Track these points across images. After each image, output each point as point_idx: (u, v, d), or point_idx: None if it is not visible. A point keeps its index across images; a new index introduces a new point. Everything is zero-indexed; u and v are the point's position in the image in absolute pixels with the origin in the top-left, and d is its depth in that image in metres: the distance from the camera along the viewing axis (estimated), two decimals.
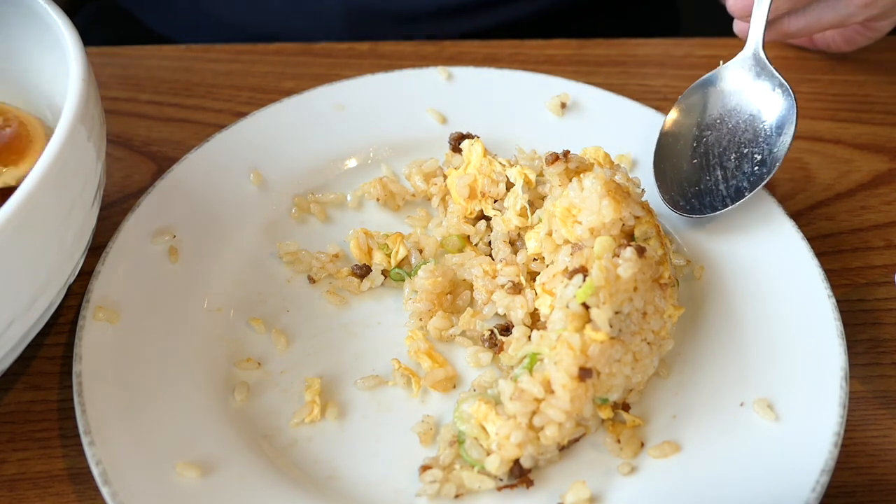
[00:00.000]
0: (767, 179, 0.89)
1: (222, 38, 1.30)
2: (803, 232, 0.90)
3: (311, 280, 0.91)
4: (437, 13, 1.35)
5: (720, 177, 0.90)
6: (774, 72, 0.93)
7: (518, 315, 0.84)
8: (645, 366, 0.78)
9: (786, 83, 0.92)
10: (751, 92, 0.94)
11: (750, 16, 0.96)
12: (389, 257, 0.91)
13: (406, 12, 1.33)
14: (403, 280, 0.90)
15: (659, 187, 0.93)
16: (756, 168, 0.89)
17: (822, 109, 1.14)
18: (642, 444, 0.78)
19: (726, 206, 0.89)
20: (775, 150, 0.89)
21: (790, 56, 1.21)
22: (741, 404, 0.79)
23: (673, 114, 0.97)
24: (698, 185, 0.92)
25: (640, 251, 0.77)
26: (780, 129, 0.90)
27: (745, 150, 0.91)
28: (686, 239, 0.93)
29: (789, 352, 0.82)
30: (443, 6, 1.34)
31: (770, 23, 0.96)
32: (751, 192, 0.89)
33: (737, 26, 1.03)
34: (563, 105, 1.04)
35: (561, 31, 1.32)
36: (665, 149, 0.96)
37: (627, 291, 0.76)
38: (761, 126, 0.91)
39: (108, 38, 1.44)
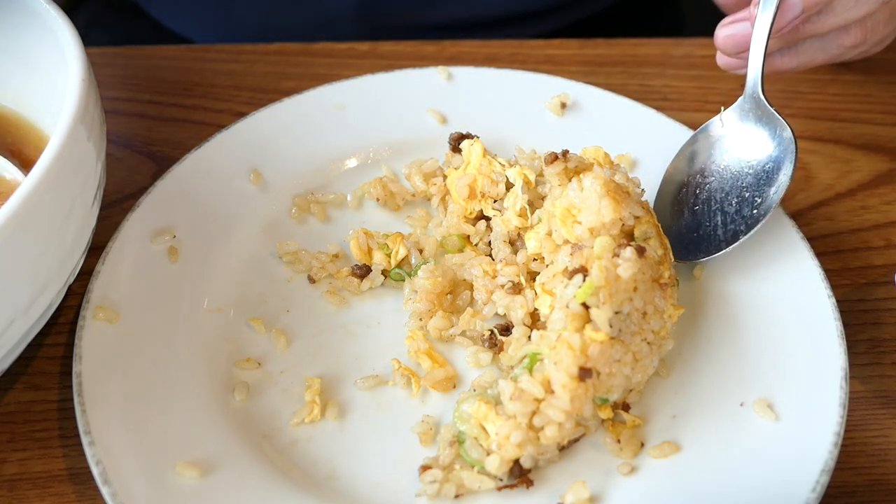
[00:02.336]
0: (763, 221, 0.87)
1: (230, 38, 1.31)
2: (803, 232, 0.90)
3: (311, 280, 0.91)
4: (450, 25, 1.35)
5: (719, 222, 0.89)
6: (774, 112, 0.91)
7: (518, 315, 0.84)
8: (645, 366, 0.78)
9: (785, 122, 0.90)
10: (752, 136, 0.92)
11: (739, 53, 0.95)
12: (389, 257, 0.91)
13: (425, 24, 1.33)
14: (403, 280, 0.90)
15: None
16: (754, 211, 0.88)
17: (822, 109, 1.14)
18: (642, 444, 0.78)
19: (720, 249, 0.88)
20: (773, 192, 0.88)
21: None
22: (741, 404, 0.79)
23: (675, 161, 0.96)
24: (697, 230, 0.90)
25: (640, 251, 0.77)
26: (778, 170, 0.89)
27: (747, 195, 0.89)
28: None
29: (789, 352, 0.82)
30: (455, 20, 1.34)
31: None
32: (746, 234, 0.87)
33: (720, 59, 1.00)
34: (563, 105, 1.05)
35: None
36: (666, 196, 0.94)
37: (627, 291, 0.76)
38: (762, 169, 0.90)
39: (108, 38, 1.45)
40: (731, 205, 0.90)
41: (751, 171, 0.90)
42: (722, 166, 0.93)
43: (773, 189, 0.88)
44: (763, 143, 0.91)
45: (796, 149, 0.89)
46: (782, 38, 0.96)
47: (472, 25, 1.37)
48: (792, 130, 0.89)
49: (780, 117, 0.91)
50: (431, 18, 1.34)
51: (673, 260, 0.85)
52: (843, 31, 0.95)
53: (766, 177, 0.89)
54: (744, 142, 0.92)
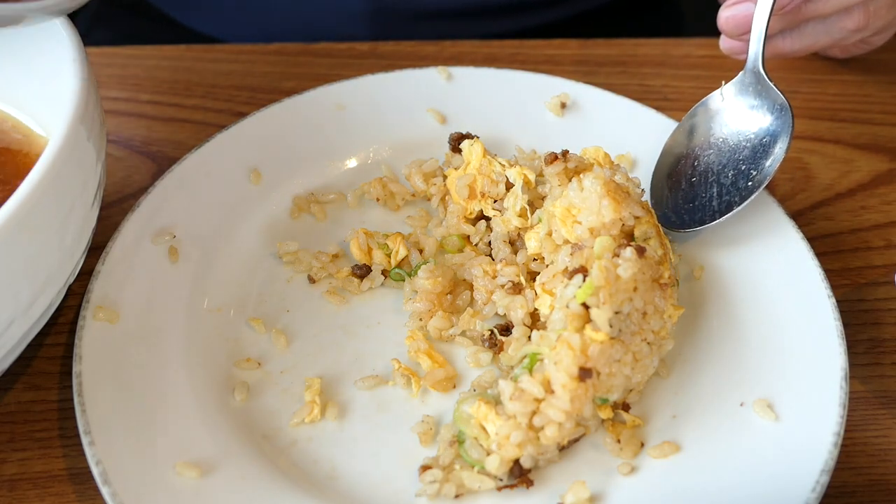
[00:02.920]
0: (757, 193, 0.88)
1: (241, 34, 1.31)
2: (803, 232, 0.90)
3: (311, 280, 0.91)
4: (463, 13, 1.35)
5: (715, 193, 0.90)
6: (773, 87, 0.92)
7: (518, 315, 0.84)
8: (645, 366, 0.78)
9: (783, 98, 0.91)
10: (751, 110, 0.93)
11: (741, 34, 0.96)
12: (389, 257, 0.91)
13: (431, 10, 1.33)
14: (403, 280, 0.90)
15: (652, 204, 0.93)
16: (749, 183, 0.89)
17: (822, 109, 1.14)
18: (642, 444, 0.78)
19: (714, 219, 0.89)
20: (768, 164, 0.89)
21: None
22: (741, 404, 0.79)
23: (675, 134, 0.97)
24: (693, 201, 0.91)
25: (640, 251, 0.77)
26: (774, 142, 0.90)
27: (743, 167, 0.90)
28: (684, 238, 0.93)
29: (789, 352, 0.82)
30: (469, 6, 1.34)
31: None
32: (740, 205, 0.88)
33: (724, 43, 1.01)
34: (563, 105, 1.04)
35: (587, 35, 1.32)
36: (664, 168, 0.95)
37: (627, 291, 0.76)
38: (759, 143, 0.91)
39: (110, 35, 1.45)
40: (728, 177, 0.91)
41: (748, 144, 0.91)
42: (720, 139, 0.94)
43: (768, 161, 0.89)
44: (761, 116, 0.92)
45: (793, 121, 0.89)
46: (785, 19, 0.96)
47: (477, 13, 1.37)
48: (789, 103, 0.90)
49: (778, 91, 0.92)
50: (439, 4, 1.34)
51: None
52: (845, 13, 0.96)
53: (762, 149, 0.90)
54: (742, 115, 0.93)
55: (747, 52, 0.94)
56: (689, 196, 0.92)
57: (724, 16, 0.96)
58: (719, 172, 0.91)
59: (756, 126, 0.92)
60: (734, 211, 0.88)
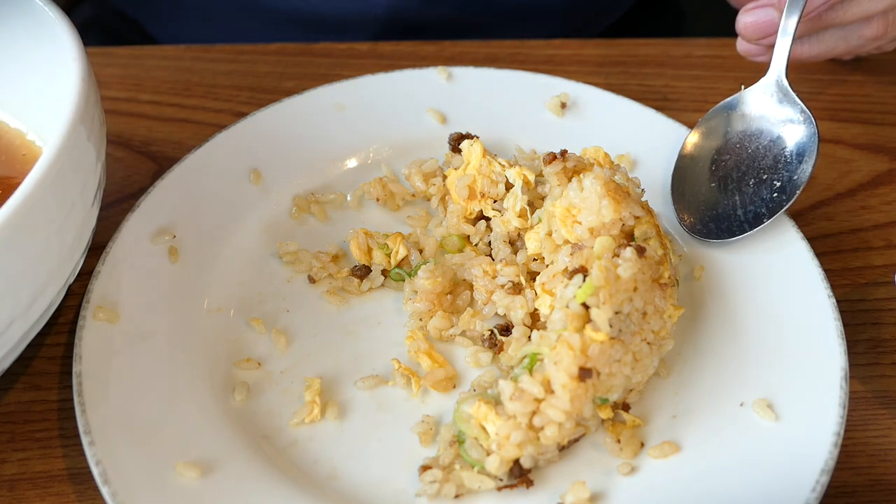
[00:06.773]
0: (787, 206, 0.88)
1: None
2: (803, 232, 0.90)
3: (311, 280, 0.91)
4: (453, 24, 1.35)
5: (738, 202, 0.90)
6: (797, 99, 0.92)
7: (518, 315, 0.84)
8: (645, 366, 0.78)
9: (808, 111, 0.91)
10: (772, 118, 0.93)
11: (760, 39, 0.96)
12: (389, 257, 0.91)
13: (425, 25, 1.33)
14: (403, 280, 0.90)
15: (676, 209, 0.93)
16: (775, 195, 0.88)
17: (822, 109, 1.14)
18: (642, 444, 0.78)
19: (744, 231, 0.88)
20: (795, 177, 0.89)
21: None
22: (741, 404, 0.79)
23: (693, 136, 0.97)
24: (715, 209, 0.91)
25: (640, 251, 0.77)
26: (800, 156, 0.89)
27: (765, 177, 0.90)
28: (686, 239, 0.93)
29: (789, 352, 0.82)
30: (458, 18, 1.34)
31: None
32: (769, 218, 0.88)
33: (741, 46, 1.01)
34: (563, 105, 1.04)
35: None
36: (683, 171, 0.95)
37: (627, 291, 0.76)
38: (781, 153, 0.91)
39: (107, 38, 1.45)
40: (749, 185, 0.90)
41: (768, 153, 0.91)
42: (739, 146, 0.94)
43: (796, 174, 0.89)
44: (783, 126, 0.92)
45: (819, 135, 0.89)
46: (805, 25, 0.97)
47: (477, 25, 1.37)
48: (814, 116, 0.90)
49: (801, 103, 0.92)
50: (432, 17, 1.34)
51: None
52: (864, 22, 0.96)
53: (784, 160, 0.90)
54: (763, 123, 0.93)
55: (765, 56, 0.94)
56: (709, 203, 0.91)
57: (745, 21, 0.96)
58: (739, 180, 0.91)
59: (777, 135, 0.92)
60: (765, 224, 0.88)
